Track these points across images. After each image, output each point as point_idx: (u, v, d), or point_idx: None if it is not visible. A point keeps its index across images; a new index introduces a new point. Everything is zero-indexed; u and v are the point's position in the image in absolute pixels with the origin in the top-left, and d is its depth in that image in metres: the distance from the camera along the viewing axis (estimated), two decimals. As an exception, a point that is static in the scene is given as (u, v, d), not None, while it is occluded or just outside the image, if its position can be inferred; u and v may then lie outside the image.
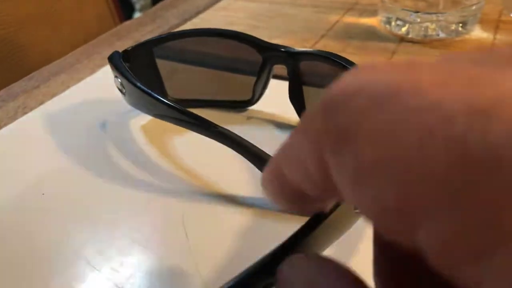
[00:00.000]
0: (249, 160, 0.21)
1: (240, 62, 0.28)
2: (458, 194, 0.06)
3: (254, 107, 0.30)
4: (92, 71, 0.37)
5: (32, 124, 0.31)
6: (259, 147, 0.21)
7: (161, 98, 0.23)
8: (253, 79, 0.28)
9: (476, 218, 0.06)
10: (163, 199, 0.24)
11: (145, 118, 0.30)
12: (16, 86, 0.37)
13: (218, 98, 0.30)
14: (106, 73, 0.37)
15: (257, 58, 0.27)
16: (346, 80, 0.09)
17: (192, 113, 0.22)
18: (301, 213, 0.13)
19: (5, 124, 0.31)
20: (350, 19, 0.42)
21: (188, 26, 0.43)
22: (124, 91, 0.25)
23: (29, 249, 0.21)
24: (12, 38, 0.58)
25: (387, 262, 0.11)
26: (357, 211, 0.14)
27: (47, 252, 0.21)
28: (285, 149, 0.11)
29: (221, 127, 0.21)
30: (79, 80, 0.36)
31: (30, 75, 0.38)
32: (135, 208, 0.23)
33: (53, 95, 0.34)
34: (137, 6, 1.38)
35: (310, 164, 0.09)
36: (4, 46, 0.57)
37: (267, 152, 0.21)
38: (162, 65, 0.29)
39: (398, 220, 0.07)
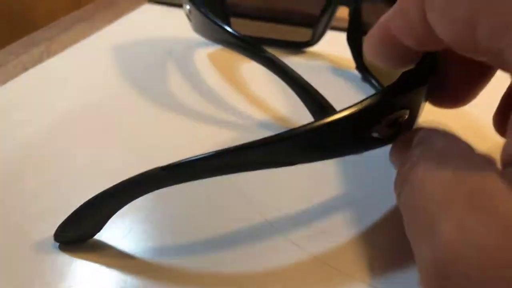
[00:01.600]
0: (293, 90, 0.22)
1: (303, 1, 0.30)
2: None
3: (311, 49, 0.32)
4: (110, 21, 0.38)
5: (86, 52, 0.34)
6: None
7: (221, 24, 0.25)
8: (314, 19, 0.30)
9: None
10: (207, 131, 0.25)
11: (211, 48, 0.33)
12: (37, 35, 0.37)
13: (278, 37, 0.32)
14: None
15: None
16: None
17: (240, 36, 0.24)
18: (393, 66, 0.15)
19: (33, 66, 0.32)
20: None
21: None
22: (191, 17, 0.28)
23: (72, 168, 0.22)
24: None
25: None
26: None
27: (87, 169, 0.22)
28: (392, 10, 0.14)
29: (270, 53, 0.23)
30: (100, 28, 0.37)
31: (49, 25, 0.39)
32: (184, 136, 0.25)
33: (76, 41, 0.35)
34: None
35: (412, 15, 0.13)
36: (7, 7, 0.57)
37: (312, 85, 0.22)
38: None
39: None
